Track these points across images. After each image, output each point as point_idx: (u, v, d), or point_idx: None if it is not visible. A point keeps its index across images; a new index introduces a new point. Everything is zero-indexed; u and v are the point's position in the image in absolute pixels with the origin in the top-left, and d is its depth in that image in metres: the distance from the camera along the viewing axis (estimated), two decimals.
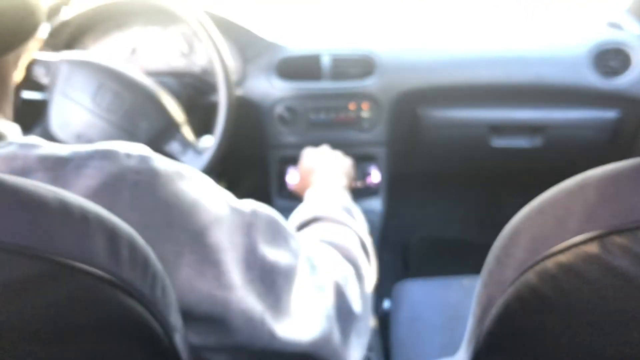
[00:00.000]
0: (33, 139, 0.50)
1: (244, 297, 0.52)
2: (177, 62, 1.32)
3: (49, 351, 0.34)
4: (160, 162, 0.50)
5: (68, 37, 1.29)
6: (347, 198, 0.89)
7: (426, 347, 1.07)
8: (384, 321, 1.16)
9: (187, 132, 1.07)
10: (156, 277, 0.41)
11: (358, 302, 0.67)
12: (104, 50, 1.31)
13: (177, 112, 1.07)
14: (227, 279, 0.51)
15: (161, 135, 1.04)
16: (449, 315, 1.12)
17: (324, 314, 0.61)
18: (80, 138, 1.02)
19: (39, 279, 0.33)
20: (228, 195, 0.56)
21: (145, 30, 1.31)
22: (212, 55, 1.08)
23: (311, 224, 0.79)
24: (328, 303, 0.62)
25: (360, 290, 0.69)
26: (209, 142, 1.09)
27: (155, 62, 1.31)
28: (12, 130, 0.53)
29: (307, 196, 0.92)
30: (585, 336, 0.35)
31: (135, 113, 1.02)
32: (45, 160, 0.47)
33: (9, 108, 0.57)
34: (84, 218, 0.36)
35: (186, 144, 1.05)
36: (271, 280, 0.55)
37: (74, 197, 0.37)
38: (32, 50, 0.58)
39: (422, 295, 1.19)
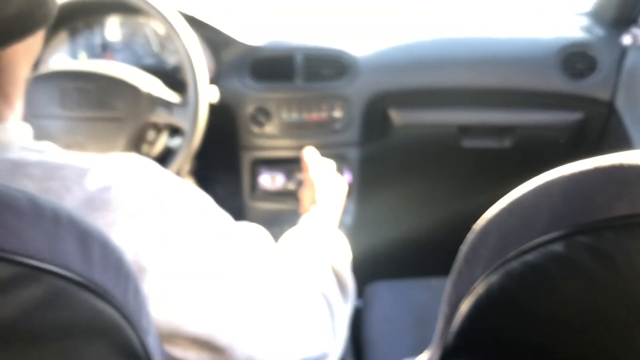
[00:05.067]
0: (46, 144, 0.50)
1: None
2: (148, 60, 1.30)
3: (19, 355, 0.33)
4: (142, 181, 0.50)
5: None
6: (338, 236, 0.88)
7: (397, 347, 1.08)
8: (355, 321, 1.17)
9: (164, 94, 1.09)
10: (128, 279, 0.40)
11: (325, 332, 0.66)
12: (74, 48, 1.29)
13: (146, 80, 1.07)
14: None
15: (143, 106, 1.05)
16: (419, 316, 1.13)
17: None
18: (70, 147, 1.01)
19: (9, 282, 0.32)
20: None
21: (116, 28, 1.29)
22: (182, 53, 1.07)
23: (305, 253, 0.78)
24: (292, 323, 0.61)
25: (332, 323, 0.68)
26: (179, 141, 1.09)
27: (126, 60, 1.29)
28: (24, 132, 0.53)
29: (315, 220, 0.90)
30: (552, 335, 0.35)
31: (106, 98, 1.03)
32: (60, 169, 0.47)
33: (20, 104, 0.56)
34: (56, 219, 0.35)
35: (169, 104, 1.07)
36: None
37: (45, 198, 0.36)
38: (39, 44, 0.57)
39: (392, 296, 1.20)
